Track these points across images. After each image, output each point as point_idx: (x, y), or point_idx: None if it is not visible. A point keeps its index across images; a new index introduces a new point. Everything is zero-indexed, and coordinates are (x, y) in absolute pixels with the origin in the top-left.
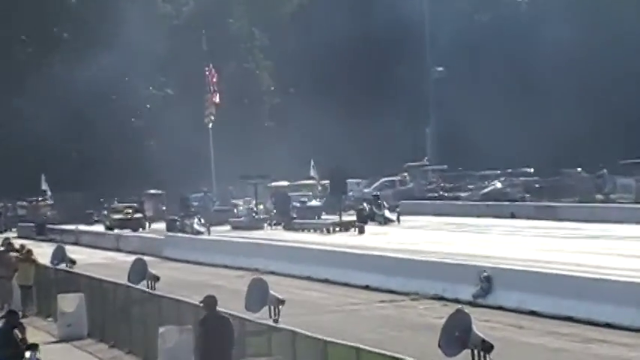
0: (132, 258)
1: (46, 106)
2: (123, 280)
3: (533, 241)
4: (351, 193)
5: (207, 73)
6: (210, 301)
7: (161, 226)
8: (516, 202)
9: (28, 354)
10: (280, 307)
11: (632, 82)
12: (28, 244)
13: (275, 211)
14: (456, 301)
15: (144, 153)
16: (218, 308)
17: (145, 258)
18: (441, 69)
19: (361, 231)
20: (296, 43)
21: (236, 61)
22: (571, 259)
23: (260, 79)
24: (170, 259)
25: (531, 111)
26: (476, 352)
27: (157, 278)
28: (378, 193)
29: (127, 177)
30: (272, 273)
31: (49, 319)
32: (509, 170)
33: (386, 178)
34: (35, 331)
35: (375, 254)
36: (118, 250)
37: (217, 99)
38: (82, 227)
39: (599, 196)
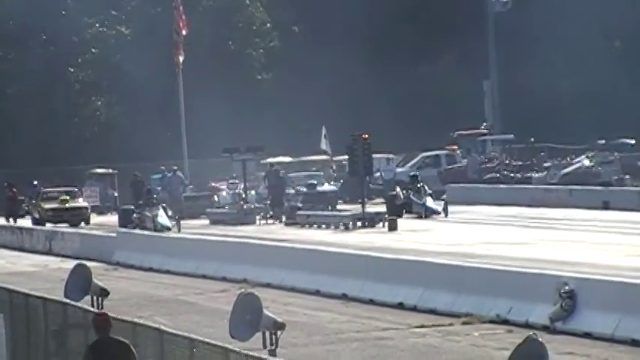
0: (71, 264)
1: None
2: (58, 295)
3: (637, 241)
4: (378, 174)
5: (174, 4)
6: (101, 321)
7: (111, 219)
8: (611, 187)
9: None
10: (279, 333)
11: None
12: None
13: (270, 198)
14: (526, 325)
15: (87, 116)
16: (179, 332)
17: (89, 264)
18: None
19: (392, 227)
20: None
21: None
22: None
23: (251, 13)
24: (124, 265)
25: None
26: None
27: (105, 292)
28: (418, 174)
29: (63, 150)
30: (267, 286)
31: None
32: (602, 142)
33: (428, 153)
34: None
35: (411, 259)
36: (51, 252)
37: (181, 40)
38: (1, 221)
39: None
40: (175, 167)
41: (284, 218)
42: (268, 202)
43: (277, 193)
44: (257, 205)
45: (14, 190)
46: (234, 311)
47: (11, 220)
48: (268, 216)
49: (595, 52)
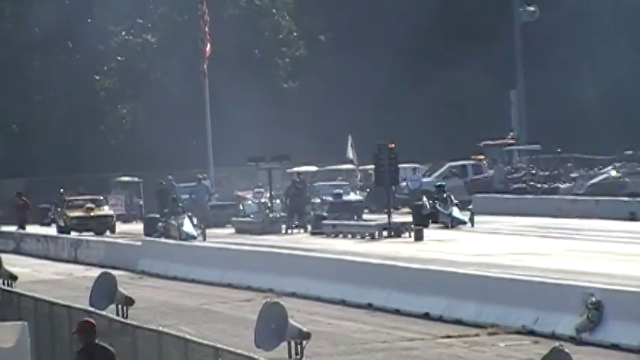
0: (96, 273)
1: None
2: (83, 303)
3: None
4: (404, 184)
5: (199, 13)
6: (86, 328)
7: (137, 227)
8: (638, 198)
9: None
10: (304, 343)
11: None
12: None
13: (289, 207)
14: (552, 336)
15: (113, 124)
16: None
17: (114, 273)
18: (532, 8)
19: (418, 236)
20: None
21: None
22: None
23: (277, 22)
24: (149, 274)
25: None
26: None
27: (130, 301)
28: (444, 184)
29: (89, 158)
30: (292, 295)
31: None
32: (629, 152)
33: (454, 163)
34: None
35: (438, 269)
36: (77, 261)
37: (208, 50)
38: (27, 229)
39: None
40: (200, 175)
41: (309, 227)
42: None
43: (297, 203)
44: (283, 214)
45: (24, 199)
46: (260, 320)
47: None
48: (294, 225)
49: (622, 62)
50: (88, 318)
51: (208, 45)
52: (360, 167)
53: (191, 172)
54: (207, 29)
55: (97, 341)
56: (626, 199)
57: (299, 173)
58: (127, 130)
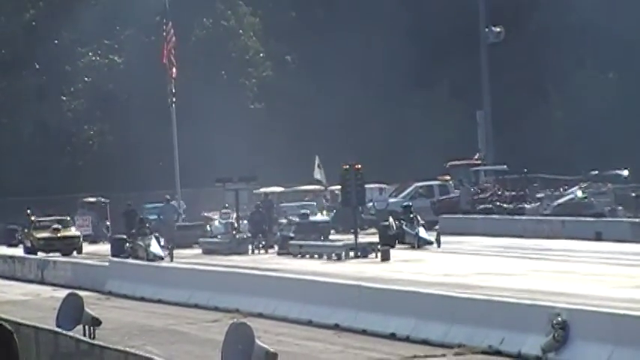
0: (63, 293)
1: None
2: (50, 324)
3: (629, 272)
4: (371, 204)
5: (164, 34)
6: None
7: (104, 248)
8: (604, 218)
9: None
10: None
11: None
12: None
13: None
14: (518, 356)
15: (80, 145)
16: None
17: (81, 293)
18: (498, 29)
19: (385, 257)
20: None
21: (210, 17)
22: None
23: (243, 43)
24: (116, 294)
25: (633, 87)
26: None
27: (97, 322)
28: (410, 204)
29: (56, 179)
30: (259, 316)
31: None
32: (595, 173)
33: (421, 183)
34: None
35: (405, 290)
36: (43, 282)
37: (174, 71)
38: None
39: None
40: (168, 196)
41: (276, 248)
42: (249, 234)
43: (259, 226)
44: (249, 234)
45: None
46: (227, 341)
47: None
48: (260, 246)
49: (589, 84)
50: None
51: (174, 68)
52: (328, 188)
53: (159, 192)
54: (173, 51)
55: None
56: (591, 219)
57: (266, 194)
58: (95, 151)
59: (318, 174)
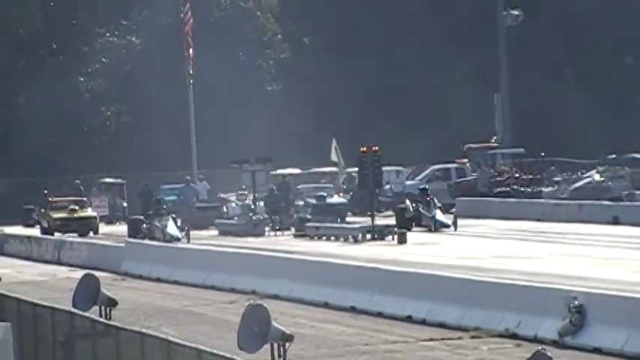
0: (79, 274)
1: None
2: (66, 304)
3: None
4: (388, 187)
5: (182, 16)
6: None
7: (120, 229)
8: (621, 202)
9: None
10: (287, 345)
11: None
12: None
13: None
14: (535, 339)
15: (97, 126)
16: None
17: (97, 274)
18: (516, 12)
19: (402, 239)
20: None
21: None
22: None
23: (261, 24)
24: (133, 275)
25: None
26: None
27: (113, 303)
28: (427, 187)
29: (73, 159)
30: (275, 297)
31: None
32: (612, 156)
33: (437, 166)
34: None
35: (421, 272)
36: (60, 262)
37: (191, 53)
38: (11, 229)
39: None
40: (189, 177)
41: (293, 230)
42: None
43: (275, 207)
44: (266, 216)
45: None
46: (243, 322)
47: None
48: (277, 227)
49: (606, 67)
50: None
51: (191, 48)
52: (345, 170)
53: (176, 173)
54: (190, 32)
55: None
56: (609, 203)
57: (283, 175)
58: (111, 132)
59: (334, 156)
